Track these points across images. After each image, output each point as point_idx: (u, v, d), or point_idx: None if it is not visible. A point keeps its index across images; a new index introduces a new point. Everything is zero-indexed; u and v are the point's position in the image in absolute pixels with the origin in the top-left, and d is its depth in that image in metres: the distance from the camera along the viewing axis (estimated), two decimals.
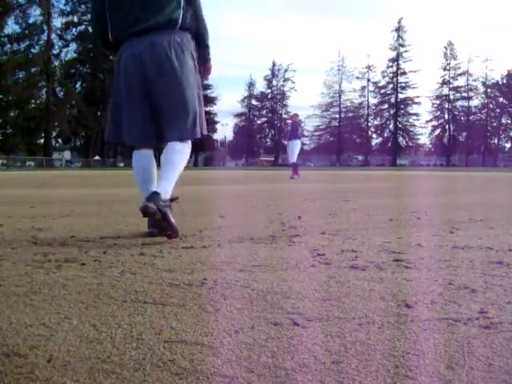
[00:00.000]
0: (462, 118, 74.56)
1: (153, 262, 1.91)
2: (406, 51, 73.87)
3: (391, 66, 74.67)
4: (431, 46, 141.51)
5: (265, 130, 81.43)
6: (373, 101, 77.18)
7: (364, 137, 76.56)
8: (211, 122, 63.80)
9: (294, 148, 13.57)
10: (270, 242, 2.42)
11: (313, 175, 16.40)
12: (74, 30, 51.84)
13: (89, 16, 45.77)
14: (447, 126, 74.36)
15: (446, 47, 74.37)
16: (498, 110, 74.15)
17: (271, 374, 0.92)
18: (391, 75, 74.72)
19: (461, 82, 74.00)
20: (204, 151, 65.66)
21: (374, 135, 78.25)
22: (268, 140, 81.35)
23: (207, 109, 61.82)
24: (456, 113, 74.76)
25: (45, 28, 47.86)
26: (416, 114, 75.01)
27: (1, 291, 1.49)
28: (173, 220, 2.34)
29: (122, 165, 50.07)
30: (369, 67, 76.59)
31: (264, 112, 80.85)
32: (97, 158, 52.17)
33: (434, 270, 1.79)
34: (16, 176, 17.54)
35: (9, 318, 1.23)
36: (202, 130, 2.62)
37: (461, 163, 70.11)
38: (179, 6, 2.52)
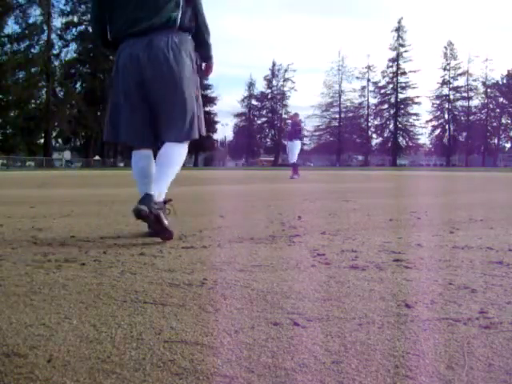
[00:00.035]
0: (462, 118, 74.48)
1: (153, 262, 1.91)
2: (405, 51, 73.82)
3: (391, 66, 74.64)
4: (431, 46, 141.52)
5: (265, 130, 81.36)
6: (373, 101, 77.22)
7: (364, 137, 76.48)
8: (211, 122, 63.71)
9: (294, 148, 13.57)
10: (269, 241, 2.42)
11: (313, 175, 16.39)
12: (73, 30, 51.84)
13: (89, 16, 45.78)
14: (447, 126, 74.30)
15: (445, 47, 74.37)
16: (497, 110, 74.10)
17: (271, 374, 0.92)
18: (391, 75, 74.68)
19: (461, 82, 74.05)
20: (204, 151, 65.64)
21: (374, 135, 78.23)
22: (268, 140, 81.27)
23: (207, 109, 61.78)
24: (456, 113, 74.68)
25: (45, 28, 47.82)
26: (416, 114, 75.02)
27: (1, 291, 1.49)
28: (166, 222, 2.33)
29: (122, 165, 50.02)
30: (369, 67, 76.56)
31: (264, 112, 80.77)
32: (97, 158, 52.11)
33: (433, 270, 1.79)
34: (16, 176, 17.53)
35: (9, 318, 1.23)
36: (200, 131, 2.60)
37: (461, 163, 70.05)
38: (178, 6, 2.52)
